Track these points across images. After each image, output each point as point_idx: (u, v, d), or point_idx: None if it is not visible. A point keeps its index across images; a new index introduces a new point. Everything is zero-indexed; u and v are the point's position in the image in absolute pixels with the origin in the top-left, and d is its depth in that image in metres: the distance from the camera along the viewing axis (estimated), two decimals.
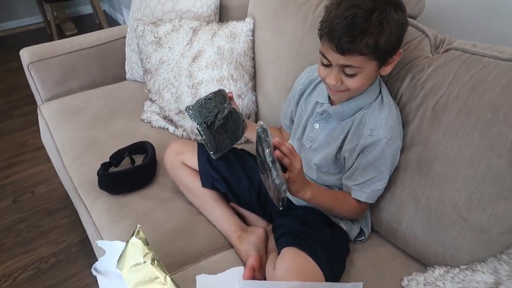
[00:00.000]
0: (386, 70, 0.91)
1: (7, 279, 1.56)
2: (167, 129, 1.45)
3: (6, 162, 2.13)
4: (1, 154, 2.17)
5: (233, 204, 1.16)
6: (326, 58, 0.88)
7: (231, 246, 1.09)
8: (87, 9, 3.52)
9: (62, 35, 3.21)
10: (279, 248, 0.96)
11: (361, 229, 1.07)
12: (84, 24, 3.43)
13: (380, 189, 0.99)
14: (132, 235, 0.88)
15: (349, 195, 1.01)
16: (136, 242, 0.86)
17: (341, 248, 1.00)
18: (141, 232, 0.89)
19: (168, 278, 0.84)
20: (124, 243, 0.89)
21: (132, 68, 1.67)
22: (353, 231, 1.05)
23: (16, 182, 2.01)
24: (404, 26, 0.88)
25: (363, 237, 1.07)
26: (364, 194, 0.98)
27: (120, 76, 1.75)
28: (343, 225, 1.04)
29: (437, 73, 0.92)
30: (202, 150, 1.17)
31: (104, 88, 1.69)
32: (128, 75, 1.72)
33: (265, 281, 0.94)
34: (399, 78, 0.98)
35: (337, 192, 1.04)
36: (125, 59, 1.71)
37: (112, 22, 3.45)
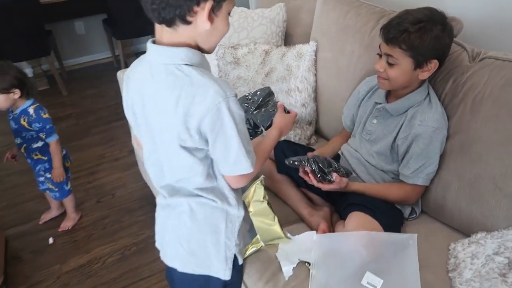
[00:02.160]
0: (423, 75, 1.14)
1: (98, 261, 1.84)
2: None
3: (88, 170, 2.46)
4: (84, 164, 2.51)
5: (302, 189, 1.40)
6: (380, 48, 1.15)
7: (302, 221, 1.32)
8: None
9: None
10: (345, 215, 1.19)
11: (413, 208, 1.28)
12: None
13: (432, 172, 1.20)
14: (257, 180, 1.13)
15: (398, 186, 1.23)
16: (260, 186, 1.12)
17: (396, 218, 1.22)
18: (263, 181, 1.14)
19: (276, 218, 1.10)
20: None
21: None
22: (405, 209, 1.27)
23: (98, 186, 2.33)
24: (442, 41, 1.10)
25: (414, 215, 1.28)
26: (420, 179, 1.19)
27: None
28: (397, 205, 1.26)
29: (474, 76, 1.16)
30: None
31: None
32: None
33: (337, 232, 1.17)
34: (443, 81, 1.22)
35: (386, 185, 1.27)
36: None
37: None
